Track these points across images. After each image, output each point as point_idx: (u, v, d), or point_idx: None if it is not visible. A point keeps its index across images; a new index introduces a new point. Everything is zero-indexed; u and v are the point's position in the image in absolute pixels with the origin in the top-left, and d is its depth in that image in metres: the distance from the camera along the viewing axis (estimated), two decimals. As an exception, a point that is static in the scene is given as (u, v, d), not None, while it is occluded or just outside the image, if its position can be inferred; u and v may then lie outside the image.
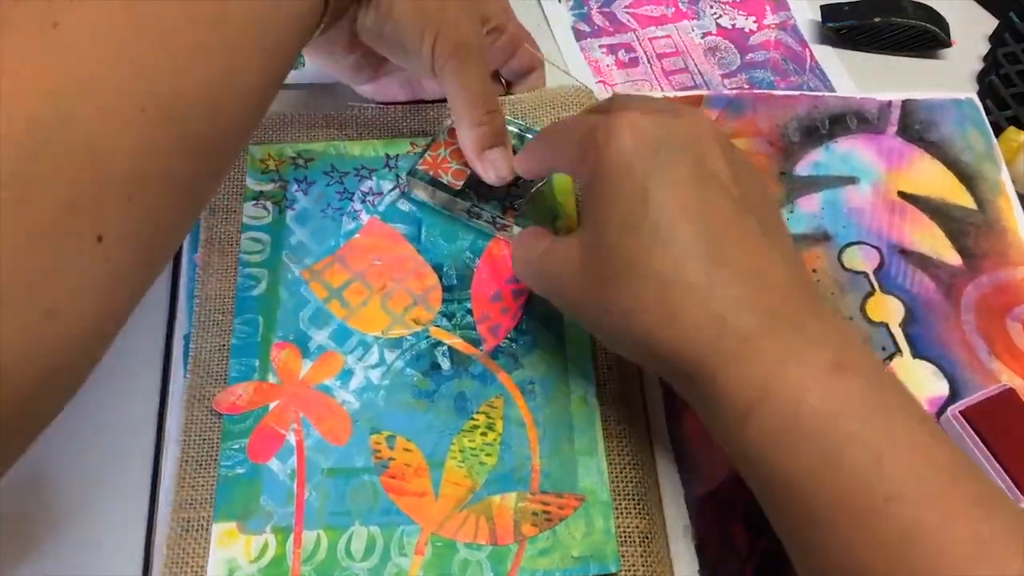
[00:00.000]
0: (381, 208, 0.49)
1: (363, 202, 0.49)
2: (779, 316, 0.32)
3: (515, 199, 0.47)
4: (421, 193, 0.48)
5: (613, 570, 0.39)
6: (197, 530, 0.40)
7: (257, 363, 0.44)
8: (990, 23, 0.61)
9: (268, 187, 0.50)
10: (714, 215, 0.33)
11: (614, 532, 0.40)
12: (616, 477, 0.42)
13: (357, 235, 0.48)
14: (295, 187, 0.50)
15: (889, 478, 0.29)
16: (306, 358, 0.45)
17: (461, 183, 0.48)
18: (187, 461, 0.42)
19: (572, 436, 0.43)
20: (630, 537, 0.40)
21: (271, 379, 0.44)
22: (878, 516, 0.29)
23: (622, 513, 0.41)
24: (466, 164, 0.47)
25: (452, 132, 0.48)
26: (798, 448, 0.30)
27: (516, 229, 0.47)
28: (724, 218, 0.33)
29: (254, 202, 0.49)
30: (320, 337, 0.45)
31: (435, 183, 0.48)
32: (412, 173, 0.48)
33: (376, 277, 0.47)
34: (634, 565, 0.40)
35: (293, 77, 0.56)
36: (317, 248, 0.48)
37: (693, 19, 0.62)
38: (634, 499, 0.41)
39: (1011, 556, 0.28)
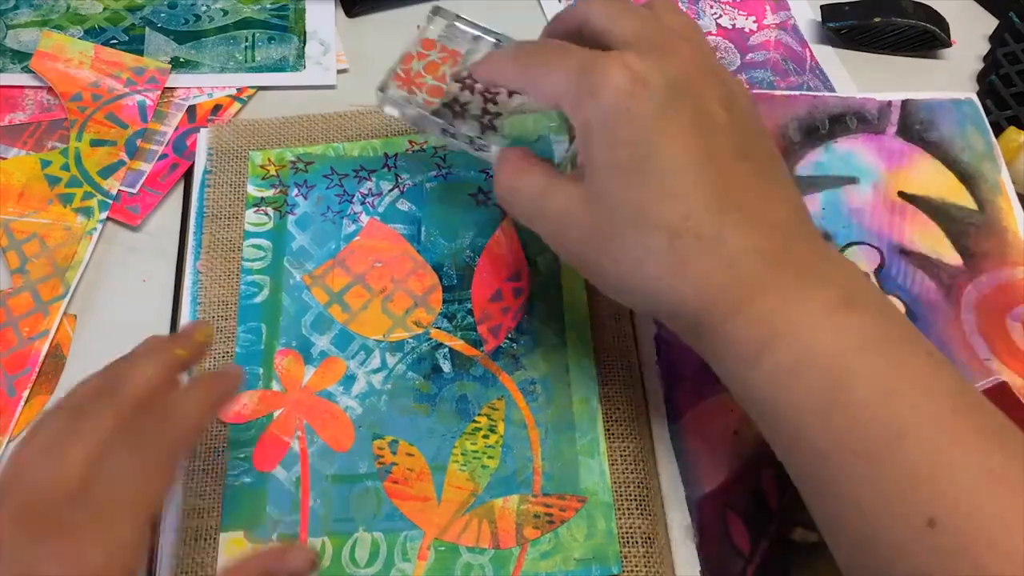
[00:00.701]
0: (381, 209, 0.49)
1: (363, 203, 0.49)
2: (785, 258, 0.32)
3: (494, 117, 0.43)
4: (394, 111, 0.44)
5: (615, 572, 0.40)
6: (205, 539, 0.40)
7: (261, 371, 0.44)
8: (990, 23, 0.61)
9: (269, 193, 0.49)
10: (717, 161, 0.33)
11: (616, 534, 0.40)
12: (618, 478, 0.42)
13: (357, 237, 0.48)
14: (295, 191, 0.49)
15: (899, 414, 0.29)
16: (309, 364, 0.45)
17: (437, 101, 0.43)
18: (193, 469, 0.42)
19: (574, 437, 0.43)
20: (632, 538, 0.40)
21: (275, 387, 0.44)
22: (889, 451, 0.29)
23: (624, 514, 0.41)
24: (442, 79, 0.44)
25: (426, 43, 0.45)
26: (809, 385, 0.31)
27: (495, 149, 0.42)
28: (726, 163, 0.33)
29: (255, 208, 0.49)
30: (322, 343, 0.45)
31: (409, 100, 0.43)
32: (383, 88, 0.44)
33: (377, 279, 0.47)
34: (636, 566, 0.40)
35: (292, 80, 0.56)
36: (318, 252, 0.48)
37: (693, 19, 0.62)
38: (636, 500, 0.41)
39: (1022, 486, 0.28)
